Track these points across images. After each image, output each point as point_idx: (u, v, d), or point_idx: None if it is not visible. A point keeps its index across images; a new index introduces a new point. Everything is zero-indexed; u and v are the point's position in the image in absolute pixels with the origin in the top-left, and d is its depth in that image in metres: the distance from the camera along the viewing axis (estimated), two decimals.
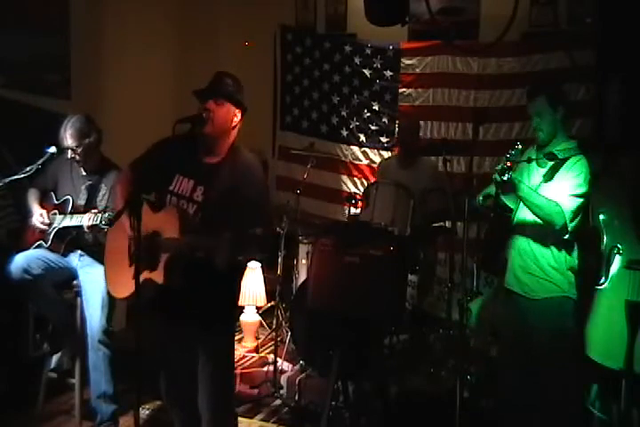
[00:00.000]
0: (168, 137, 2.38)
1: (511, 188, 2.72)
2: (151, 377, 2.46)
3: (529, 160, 2.79)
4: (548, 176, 2.80)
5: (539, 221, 2.76)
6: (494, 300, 3.22)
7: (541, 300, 2.79)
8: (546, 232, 2.78)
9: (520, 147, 2.72)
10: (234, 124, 2.43)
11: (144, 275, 2.29)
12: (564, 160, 2.75)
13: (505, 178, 2.66)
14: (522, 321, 2.86)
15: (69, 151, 3.17)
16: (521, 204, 2.84)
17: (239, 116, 2.44)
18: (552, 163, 2.77)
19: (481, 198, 3.02)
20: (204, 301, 2.37)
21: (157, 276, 2.29)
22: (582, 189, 2.72)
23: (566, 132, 2.89)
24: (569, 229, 2.73)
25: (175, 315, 2.42)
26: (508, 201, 2.95)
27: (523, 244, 2.86)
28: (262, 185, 2.47)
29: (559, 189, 2.74)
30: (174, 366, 2.54)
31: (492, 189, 2.96)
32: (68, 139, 3.15)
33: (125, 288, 2.37)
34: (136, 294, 2.12)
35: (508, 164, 2.66)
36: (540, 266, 2.80)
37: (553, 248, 2.79)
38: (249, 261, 2.63)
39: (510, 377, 2.95)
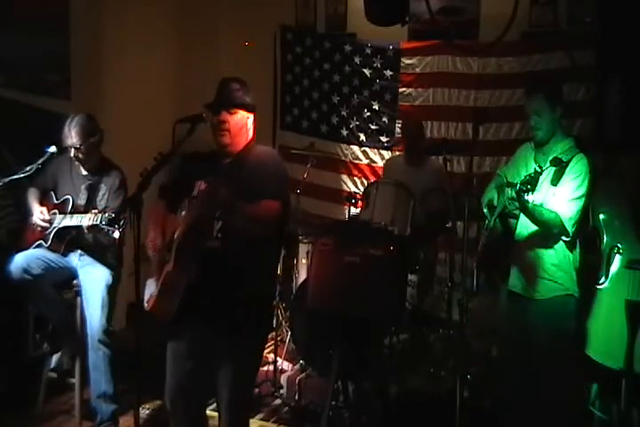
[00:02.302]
0: (184, 157, 2.39)
1: (523, 207, 2.69)
2: (151, 377, 2.45)
3: (539, 173, 2.67)
4: (555, 180, 2.77)
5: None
6: (496, 301, 3.21)
7: (546, 300, 2.79)
8: (547, 236, 2.78)
9: (541, 170, 2.64)
10: (248, 126, 2.48)
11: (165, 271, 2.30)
12: (567, 162, 2.73)
13: (525, 199, 2.60)
14: (527, 322, 2.85)
15: (73, 150, 3.17)
16: None
17: (251, 117, 2.48)
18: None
19: (491, 223, 2.99)
20: (230, 293, 2.31)
21: (169, 266, 2.28)
22: (582, 191, 2.72)
23: (563, 130, 2.88)
24: (570, 233, 2.73)
25: (200, 313, 2.33)
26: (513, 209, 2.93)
27: (525, 246, 2.86)
28: (277, 167, 2.45)
29: (562, 193, 2.74)
30: (187, 370, 2.40)
31: (497, 202, 2.94)
32: (74, 137, 3.14)
33: (151, 299, 2.36)
34: (137, 294, 2.12)
35: (529, 186, 2.58)
36: (542, 266, 2.80)
37: (555, 247, 2.79)
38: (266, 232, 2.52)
39: (516, 378, 2.92)
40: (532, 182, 2.58)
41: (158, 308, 2.34)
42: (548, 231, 2.75)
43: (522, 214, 2.83)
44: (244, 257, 2.30)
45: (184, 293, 2.28)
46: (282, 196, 2.38)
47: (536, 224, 2.77)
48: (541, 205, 2.74)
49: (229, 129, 2.39)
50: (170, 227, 2.41)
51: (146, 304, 2.40)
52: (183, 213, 2.37)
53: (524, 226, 2.85)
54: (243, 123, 2.44)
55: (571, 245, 2.80)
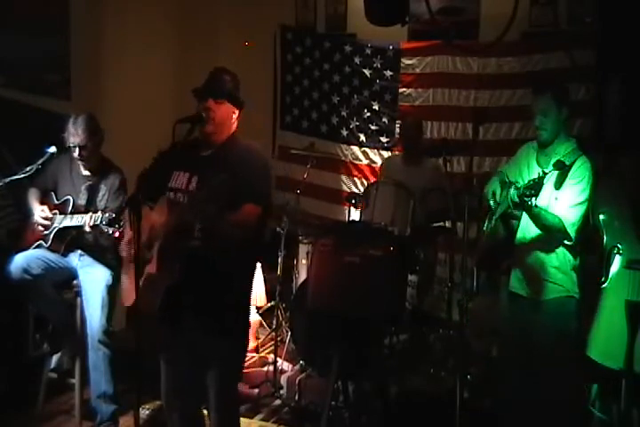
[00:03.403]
0: (171, 143, 2.39)
1: (528, 210, 2.69)
2: (151, 377, 2.46)
3: (543, 178, 2.63)
4: (558, 184, 2.75)
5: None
6: (496, 301, 3.21)
7: (546, 301, 2.79)
8: (550, 240, 2.78)
9: (544, 174, 2.61)
10: (233, 120, 2.45)
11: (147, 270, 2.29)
12: (570, 165, 2.72)
13: (529, 204, 2.60)
14: (527, 323, 2.85)
15: (77, 149, 3.17)
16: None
17: (237, 112, 2.45)
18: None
19: (494, 218, 2.98)
20: (210, 293, 2.32)
21: (152, 267, 2.27)
22: (584, 196, 2.71)
23: (567, 132, 2.87)
24: (573, 238, 2.72)
25: (181, 314, 2.36)
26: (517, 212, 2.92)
27: (526, 247, 2.85)
28: (260, 167, 2.43)
29: (565, 198, 2.73)
30: (177, 371, 2.46)
31: (500, 196, 2.93)
32: (80, 135, 3.14)
33: (132, 294, 2.35)
34: (136, 294, 2.12)
35: (533, 191, 2.57)
36: (543, 268, 2.79)
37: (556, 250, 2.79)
38: (257, 254, 2.59)
39: (517, 379, 2.92)
40: (535, 187, 2.56)
41: (139, 305, 2.34)
42: (551, 235, 2.75)
43: (523, 217, 2.82)
44: (224, 256, 2.30)
45: (166, 292, 2.28)
46: (263, 199, 2.36)
47: (539, 228, 2.76)
48: (546, 210, 2.73)
49: (214, 118, 2.37)
50: (146, 222, 2.38)
51: (124, 298, 2.45)
52: (161, 206, 2.36)
53: (526, 229, 2.85)
54: (228, 115, 2.42)
55: (573, 249, 2.80)
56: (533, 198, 2.58)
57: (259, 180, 2.38)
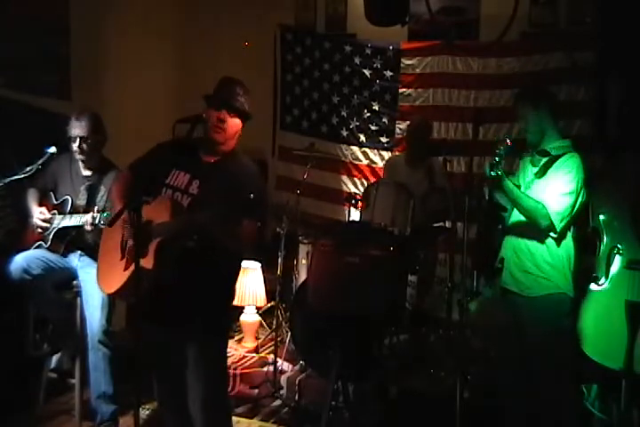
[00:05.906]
0: (168, 140, 2.41)
1: (498, 185, 2.73)
2: (151, 377, 2.47)
3: (521, 157, 2.76)
4: (541, 173, 2.79)
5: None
6: (491, 299, 3.22)
7: (538, 297, 2.78)
8: (535, 229, 2.78)
9: (509, 143, 2.70)
10: (239, 131, 2.51)
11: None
12: (557, 157, 2.74)
13: (493, 173, 2.68)
14: (519, 319, 2.85)
15: (78, 140, 3.16)
16: None
17: (243, 123, 2.51)
18: (545, 160, 2.78)
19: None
20: (197, 294, 2.35)
21: (147, 262, 2.27)
22: (571, 187, 2.70)
23: (557, 131, 2.87)
24: (557, 228, 2.71)
25: (166, 309, 2.37)
26: (502, 200, 2.94)
27: (518, 242, 2.85)
28: (260, 186, 2.51)
29: (549, 188, 2.73)
30: (165, 366, 2.49)
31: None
32: (81, 127, 3.15)
33: (115, 282, 2.39)
34: (135, 291, 2.13)
35: (497, 159, 2.67)
36: (535, 263, 2.78)
37: (549, 245, 2.77)
38: (244, 253, 2.70)
39: (508, 375, 2.94)
40: (499, 155, 2.66)
41: (121, 295, 2.42)
42: (535, 223, 2.73)
43: (513, 212, 2.84)
44: (215, 258, 2.34)
45: (155, 290, 2.28)
46: (262, 215, 2.42)
47: (521, 213, 2.77)
48: (526, 193, 2.74)
49: (226, 129, 2.42)
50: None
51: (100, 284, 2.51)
52: (160, 204, 2.37)
53: (515, 214, 2.86)
54: (238, 128, 2.48)
55: (566, 246, 2.79)
56: (499, 165, 2.67)
57: (261, 197, 2.42)
